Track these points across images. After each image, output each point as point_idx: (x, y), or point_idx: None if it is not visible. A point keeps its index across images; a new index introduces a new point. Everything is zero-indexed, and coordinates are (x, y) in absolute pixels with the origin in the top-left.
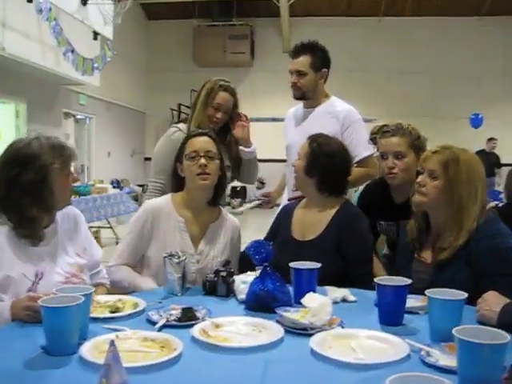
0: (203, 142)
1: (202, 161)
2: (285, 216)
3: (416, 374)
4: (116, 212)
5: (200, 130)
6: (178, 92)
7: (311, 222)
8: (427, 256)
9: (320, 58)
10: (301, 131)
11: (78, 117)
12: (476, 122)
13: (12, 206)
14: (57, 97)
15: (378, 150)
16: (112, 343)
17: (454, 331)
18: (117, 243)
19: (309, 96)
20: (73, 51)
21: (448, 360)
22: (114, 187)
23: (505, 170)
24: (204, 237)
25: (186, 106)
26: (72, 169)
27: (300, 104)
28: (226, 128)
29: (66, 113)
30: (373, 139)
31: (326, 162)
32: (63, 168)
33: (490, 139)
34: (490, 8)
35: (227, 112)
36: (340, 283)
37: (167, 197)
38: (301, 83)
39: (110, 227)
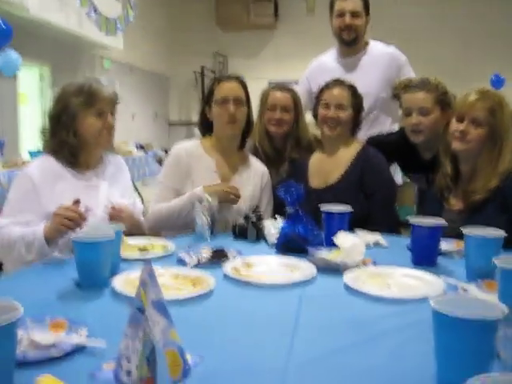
0: (232, 88)
1: (231, 109)
2: (298, 170)
3: (461, 296)
4: (142, 174)
5: (229, 75)
6: (200, 55)
7: (331, 166)
8: (457, 204)
9: (367, 2)
10: (354, 80)
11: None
12: (497, 84)
13: (50, 134)
14: (80, 60)
15: (400, 106)
16: (148, 263)
17: (494, 260)
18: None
19: (358, 40)
20: (96, 11)
21: (486, 297)
22: (138, 151)
23: None
24: (233, 178)
25: (210, 70)
26: (110, 114)
27: (325, 55)
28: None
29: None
30: (396, 95)
31: (360, 106)
32: (88, 103)
33: None
34: None
35: (287, 110)
36: (363, 224)
37: (196, 141)
38: (356, 25)
39: (136, 189)
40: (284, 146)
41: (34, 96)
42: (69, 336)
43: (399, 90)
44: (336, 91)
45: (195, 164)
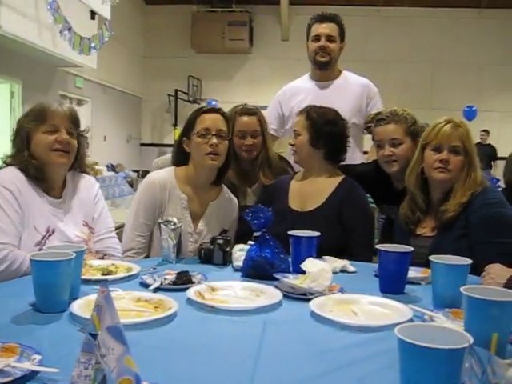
0: (215, 120)
1: (214, 140)
2: (280, 188)
3: (427, 324)
4: (111, 194)
5: (211, 107)
6: (175, 78)
7: (311, 192)
8: (427, 230)
9: (343, 30)
10: (327, 98)
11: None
12: (469, 115)
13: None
14: (53, 79)
15: (373, 140)
16: (104, 284)
17: (461, 289)
18: None
19: (331, 65)
20: (69, 29)
21: (452, 326)
22: (108, 171)
23: (501, 163)
24: (203, 216)
25: (184, 92)
26: (65, 130)
27: (298, 80)
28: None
29: (61, 95)
30: (367, 128)
31: (330, 130)
32: (38, 120)
33: (483, 131)
34: (490, 1)
35: (256, 135)
36: (339, 255)
37: (169, 170)
38: (330, 48)
39: None
40: (252, 168)
41: (3, 113)
42: (19, 362)
43: (370, 123)
44: (296, 119)
45: (167, 200)
